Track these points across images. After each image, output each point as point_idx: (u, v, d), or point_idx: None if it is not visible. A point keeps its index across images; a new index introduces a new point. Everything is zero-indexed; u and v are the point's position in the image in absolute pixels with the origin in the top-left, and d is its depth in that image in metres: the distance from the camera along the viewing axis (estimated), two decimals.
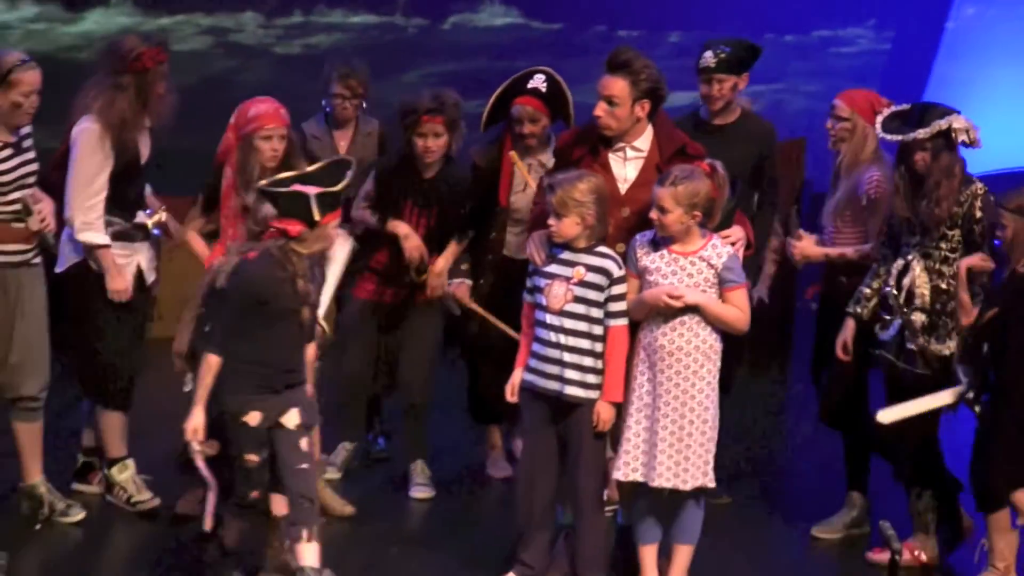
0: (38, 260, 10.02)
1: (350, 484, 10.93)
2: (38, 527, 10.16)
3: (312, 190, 8.61)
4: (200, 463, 8.77)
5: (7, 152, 9.81)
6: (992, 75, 14.59)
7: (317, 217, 8.69)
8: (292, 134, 10.10)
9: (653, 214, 9.26)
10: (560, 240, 9.26)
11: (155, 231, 10.27)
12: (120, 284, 10.10)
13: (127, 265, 10.20)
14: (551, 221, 9.27)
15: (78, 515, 10.19)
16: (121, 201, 10.13)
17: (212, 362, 8.75)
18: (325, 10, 14.64)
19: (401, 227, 10.61)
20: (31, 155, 9.90)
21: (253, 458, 8.80)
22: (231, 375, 8.79)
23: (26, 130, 9.88)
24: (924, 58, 14.76)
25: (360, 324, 10.86)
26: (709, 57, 10.57)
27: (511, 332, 10.28)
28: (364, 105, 11.13)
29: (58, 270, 10.19)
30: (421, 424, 10.88)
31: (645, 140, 9.67)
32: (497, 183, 10.68)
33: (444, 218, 10.62)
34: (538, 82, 10.52)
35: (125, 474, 10.43)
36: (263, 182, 8.83)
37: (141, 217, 10.23)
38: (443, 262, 10.64)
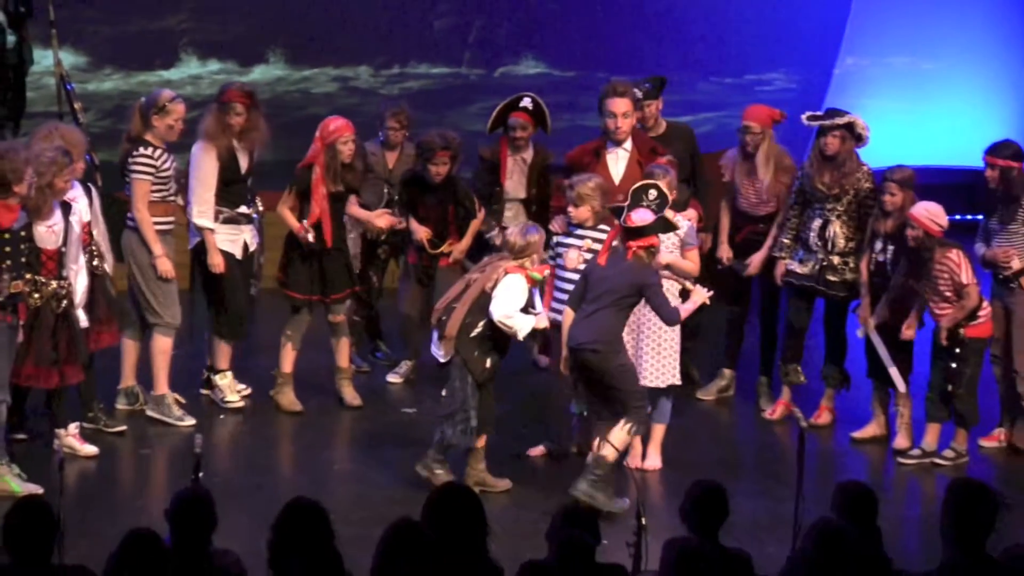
0: None
1: (410, 388, 10.81)
2: (222, 416, 10.10)
3: (663, 215, 8.75)
4: None
5: (165, 155, 9.74)
6: (866, 105, 14.57)
7: (679, 227, 9.07)
8: (358, 140, 10.09)
9: None
10: (576, 221, 9.25)
11: (255, 216, 10.13)
12: (216, 259, 9.91)
13: (236, 241, 10.05)
14: (570, 208, 9.25)
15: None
16: (227, 197, 9.96)
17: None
18: (414, 63, 14.64)
19: (413, 224, 10.46)
20: (173, 156, 9.82)
21: None
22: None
23: None
24: (818, 94, 14.68)
25: (409, 280, 10.71)
26: (637, 93, 10.44)
27: None
28: (408, 134, 10.84)
29: (190, 246, 10.05)
30: None
31: (629, 143, 9.81)
32: (499, 170, 10.62)
33: (452, 213, 10.43)
34: (527, 102, 10.49)
35: (225, 380, 10.22)
36: (635, 224, 8.73)
37: (243, 208, 10.03)
38: (464, 243, 10.45)
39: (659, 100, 10.60)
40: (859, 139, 9.96)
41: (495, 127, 10.59)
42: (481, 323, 8.82)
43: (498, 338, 8.84)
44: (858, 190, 9.94)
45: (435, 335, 9.00)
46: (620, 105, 9.76)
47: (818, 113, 10.11)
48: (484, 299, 8.80)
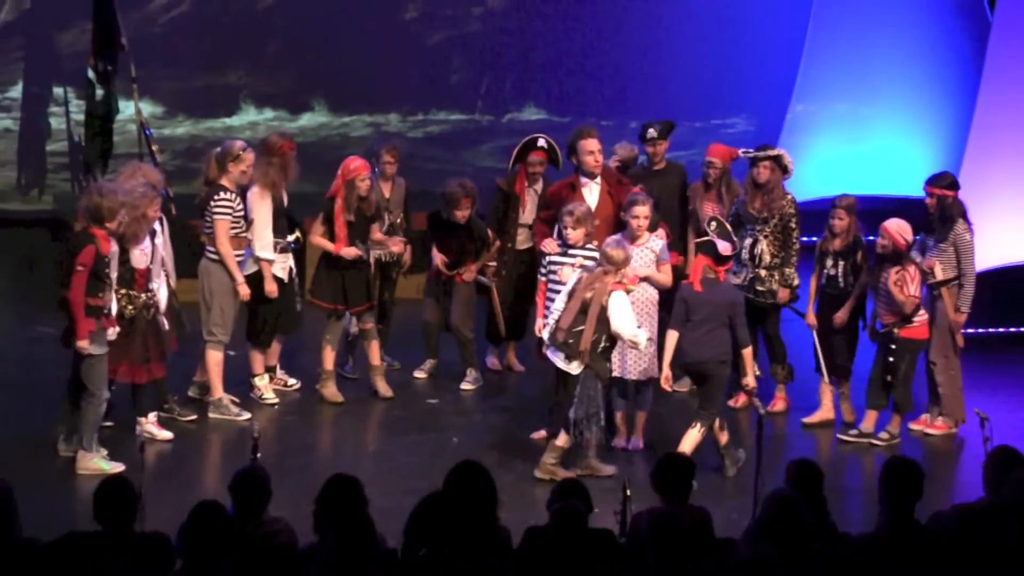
0: None
1: (433, 382, 10.72)
2: (275, 407, 10.09)
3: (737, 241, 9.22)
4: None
5: (239, 199, 9.71)
6: (813, 144, 14.56)
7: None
8: (372, 176, 10.05)
9: (634, 222, 9.21)
10: (572, 242, 9.17)
11: (293, 245, 10.07)
12: (272, 287, 9.85)
13: (285, 267, 9.99)
14: (568, 231, 9.19)
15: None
16: (279, 229, 9.90)
17: (749, 349, 8.94)
18: (434, 110, 14.64)
19: (434, 252, 10.49)
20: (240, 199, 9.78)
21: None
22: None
23: None
24: (773, 135, 14.61)
25: (432, 294, 10.68)
26: (652, 132, 10.48)
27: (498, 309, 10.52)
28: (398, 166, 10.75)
29: (246, 273, 9.82)
30: (467, 348, 10.55)
31: (599, 176, 9.73)
32: (512, 199, 10.53)
33: (470, 245, 10.41)
34: (542, 143, 10.47)
35: (263, 382, 10.13)
36: (725, 250, 8.94)
37: (289, 237, 10.00)
38: (476, 267, 10.41)
39: (667, 141, 10.57)
40: (785, 170, 10.00)
41: (516, 163, 10.60)
42: (603, 336, 8.73)
43: (609, 344, 8.78)
44: (783, 214, 9.95)
45: (555, 351, 8.79)
46: (593, 144, 9.76)
47: (750, 150, 10.15)
48: (603, 314, 8.68)
